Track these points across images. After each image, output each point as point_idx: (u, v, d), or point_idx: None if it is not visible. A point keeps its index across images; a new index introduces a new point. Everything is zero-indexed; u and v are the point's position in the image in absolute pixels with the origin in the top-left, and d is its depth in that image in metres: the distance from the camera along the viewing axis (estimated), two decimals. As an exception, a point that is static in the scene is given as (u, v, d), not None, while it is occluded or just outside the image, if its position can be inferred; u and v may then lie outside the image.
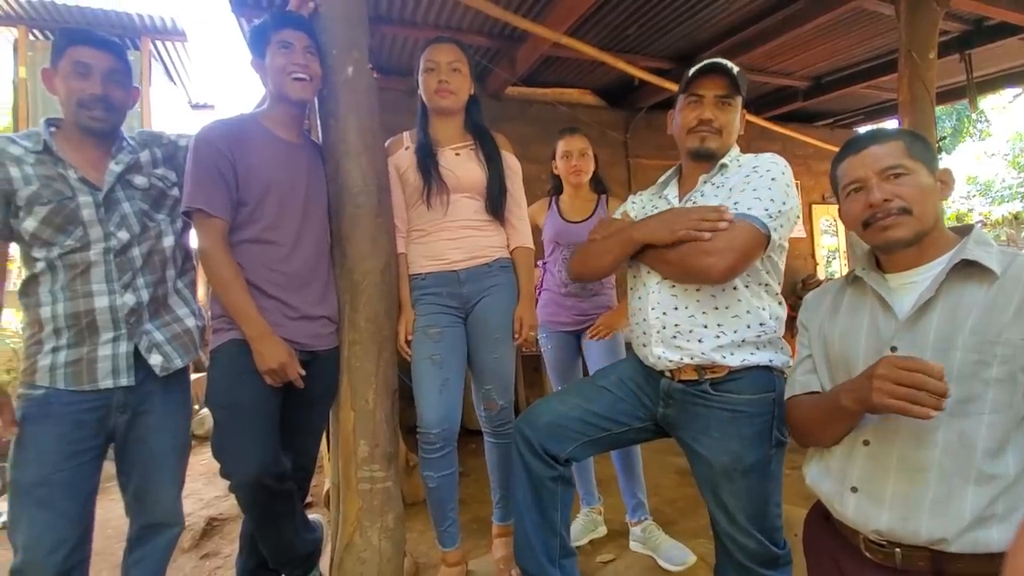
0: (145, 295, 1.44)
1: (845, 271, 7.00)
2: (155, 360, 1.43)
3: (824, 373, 1.14)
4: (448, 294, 1.75)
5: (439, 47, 1.74)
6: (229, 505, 2.90)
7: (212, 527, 2.67)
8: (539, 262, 2.26)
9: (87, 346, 1.36)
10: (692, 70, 1.37)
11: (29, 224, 1.32)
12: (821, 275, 6.25)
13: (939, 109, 4.34)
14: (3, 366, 3.67)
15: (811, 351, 1.18)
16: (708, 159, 1.39)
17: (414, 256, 1.78)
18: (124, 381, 1.39)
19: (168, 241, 1.51)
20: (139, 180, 1.47)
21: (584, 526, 2.19)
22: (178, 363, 1.49)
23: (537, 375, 4.11)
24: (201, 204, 1.42)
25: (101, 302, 1.37)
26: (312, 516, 1.82)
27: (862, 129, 6.87)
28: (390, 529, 1.58)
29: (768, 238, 1.23)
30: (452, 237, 1.74)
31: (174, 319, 1.52)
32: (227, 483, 1.44)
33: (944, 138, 11.97)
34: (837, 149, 1.16)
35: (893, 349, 1.00)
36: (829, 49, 4.28)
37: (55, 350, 1.35)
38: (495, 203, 1.77)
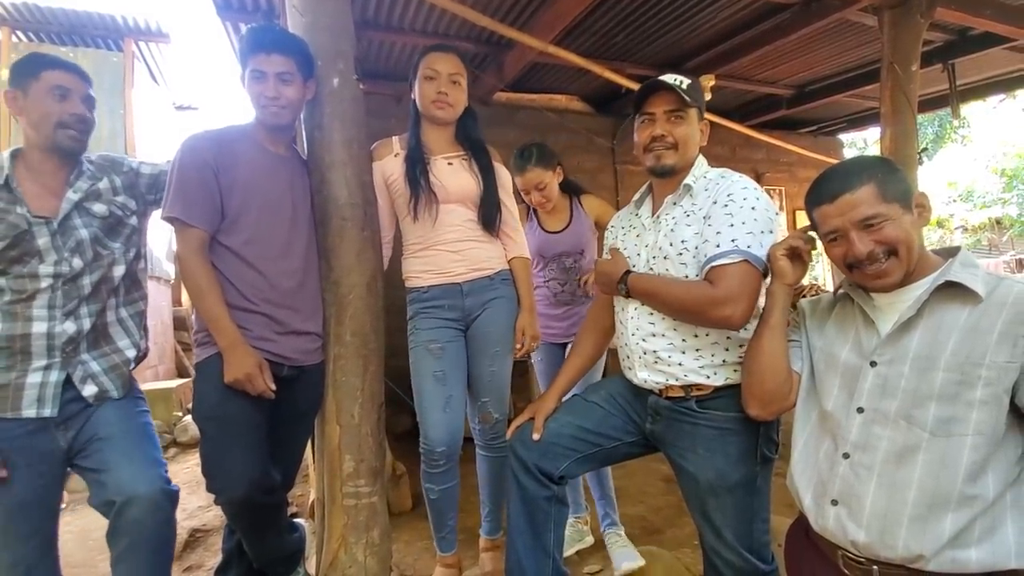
0: (87, 324, 1.41)
1: (828, 274, 7.11)
2: (89, 391, 1.40)
3: (806, 372, 1.17)
4: (450, 307, 1.73)
5: (442, 56, 1.70)
6: (212, 516, 2.86)
7: (195, 539, 2.62)
8: None
9: (16, 372, 1.33)
10: (640, 89, 1.37)
11: None
12: (804, 280, 6.32)
13: (921, 116, 4.40)
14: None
15: (801, 342, 1.20)
16: (668, 175, 1.38)
17: (413, 270, 1.76)
18: (47, 412, 1.34)
19: (119, 270, 1.49)
20: (98, 208, 1.46)
21: (571, 536, 2.18)
22: (114, 394, 1.44)
23: (524, 380, 4.10)
24: (178, 213, 1.41)
25: (39, 328, 1.35)
26: (296, 520, 1.82)
27: (845, 136, 6.97)
28: (376, 545, 1.57)
29: (765, 275, 1.24)
30: (453, 250, 1.72)
31: (113, 349, 1.48)
32: (212, 494, 1.43)
33: (925, 148, 12.14)
34: (820, 157, 1.15)
35: (873, 364, 1.02)
36: (813, 59, 4.34)
37: None
38: (489, 216, 1.74)
